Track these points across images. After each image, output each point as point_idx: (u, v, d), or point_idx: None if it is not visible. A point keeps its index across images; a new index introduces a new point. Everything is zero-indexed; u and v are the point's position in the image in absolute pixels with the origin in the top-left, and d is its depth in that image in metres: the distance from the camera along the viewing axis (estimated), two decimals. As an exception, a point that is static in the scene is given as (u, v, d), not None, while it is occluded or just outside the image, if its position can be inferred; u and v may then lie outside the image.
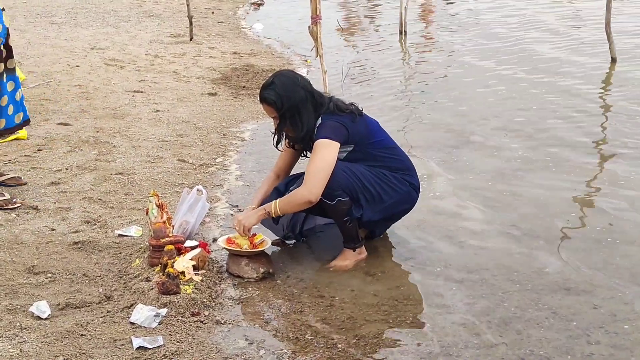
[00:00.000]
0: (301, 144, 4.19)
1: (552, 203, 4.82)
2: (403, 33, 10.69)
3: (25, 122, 4.93)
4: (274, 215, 4.00)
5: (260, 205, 4.15)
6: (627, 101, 7.02)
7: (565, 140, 6.01)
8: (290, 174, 4.36)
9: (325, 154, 3.90)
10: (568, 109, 6.87)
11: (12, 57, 4.68)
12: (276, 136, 4.20)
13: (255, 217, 4.04)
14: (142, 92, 7.54)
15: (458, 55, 9.41)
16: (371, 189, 4.01)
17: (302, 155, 4.32)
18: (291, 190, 4.08)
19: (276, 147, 4.27)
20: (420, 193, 4.27)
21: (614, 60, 8.35)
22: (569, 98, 7.22)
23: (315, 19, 7.05)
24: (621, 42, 8.77)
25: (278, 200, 3.97)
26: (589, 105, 6.99)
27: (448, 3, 14.01)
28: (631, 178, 5.18)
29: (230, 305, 3.66)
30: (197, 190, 4.30)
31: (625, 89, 7.45)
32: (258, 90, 4.14)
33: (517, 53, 9.25)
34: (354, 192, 3.95)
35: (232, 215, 4.69)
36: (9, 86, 4.67)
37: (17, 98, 4.75)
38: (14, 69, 4.70)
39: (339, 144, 3.95)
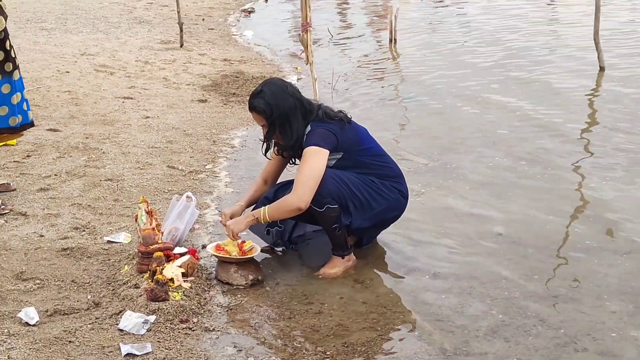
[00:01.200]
0: (290, 152, 4.20)
1: (540, 212, 4.84)
2: (393, 41, 10.72)
3: (25, 125, 4.89)
4: (262, 222, 4.02)
5: (248, 206, 4.17)
6: (615, 111, 7.05)
7: (555, 150, 6.02)
8: (278, 180, 4.37)
9: (315, 162, 3.91)
10: (556, 117, 6.89)
11: (10, 60, 4.66)
12: (265, 144, 4.21)
13: (244, 223, 4.04)
14: (132, 98, 7.53)
15: (449, 63, 9.43)
16: (360, 197, 4.02)
17: (291, 162, 4.33)
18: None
19: (265, 155, 4.28)
20: (409, 200, 4.29)
21: (602, 69, 8.40)
22: (558, 107, 7.25)
23: (306, 26, 7.06)
24: (609, 51, 8.82)
25: (267, 206, 3.98)
26: (577, 115, 7.02)
27: (437, 4, 14.07)
28: (620, 189, 5.21)
29: (219, 312, 3.66)
30: (187, 197, 4.30)
31: (613, 98, 7.48)
32: (248, 98, 4.15)
33: (508, 62, 9.29)
34: (343, 199, 3.96)
35: (220, 221, 4.69)
36: (4, 89, 4.64)
37: (14, 102, 4.71)
38: (11, 72, 4.68)
39: (328, 152, 3.96)
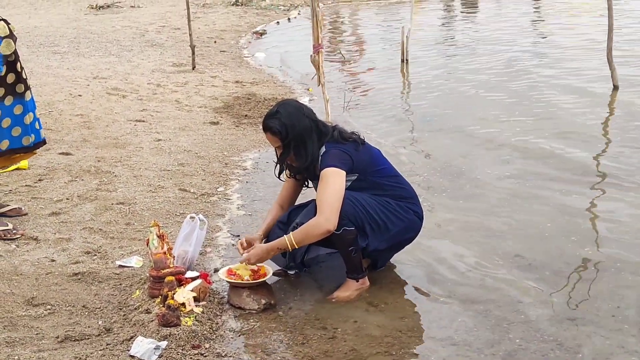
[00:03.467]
0: (304, 174, 4.17)
1: (556, 232, 4.78)
2: (405, 61, 10.72)
3: (38, 144, 4.90)
4: (290, 249, 3.96)
5: (265, 235, 4.14)
6: (631, 131, 6.99)
7: (571, 170, 5.96)
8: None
9: (336, 183, 3.88)
10: (570, 136, 6.85)
11: (21, 81, 4.68)
12: (279, 166, 4.18)
13: (268, 257, 4.01)
14: (144, 121, 7.53)
15: (461, 83, 9.42)
16: (377, 218, 3.98)
17: (306, 185, 4.30)
18: (297, 222, 4.05)
19: (278, 177, 4.25)
20: (423, 221, 4.24)
21: (616, 87, 8.35)
22: (571, 126, 7.20)
23: (317, 47, 7.07)
24: (623, 70, 8.78)
25: (291, 234, 3.92)
26: (590, 133, 6.97)
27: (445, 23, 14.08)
28: (638, 209, 5.14)
29: (232, 338, 3.61)
30: (190, 217, 4.26)
31: (628, 118, 7.43)
32: (260, 119, 4.14)
33: (519, 80, 9.26)
34: (360, 221, 3.92)
35: (233, 245, 4.66)
36: (16, 110, 4.66)
37: (27, 122, 4.73)
38: (22, 93, 4.69)
39: (345, 172, 3.93)
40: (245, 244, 4.13)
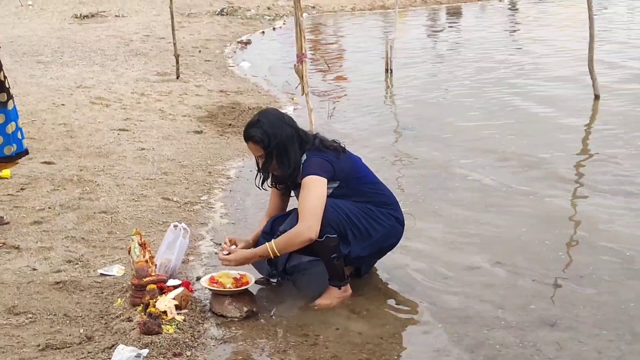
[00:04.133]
0: (286, 182, 4.19)
1: (535, 239, 4.82)
2: (389, 71, 10.77)
3: (20, 154, 4.89)
4: (272, 257, 3.97)
5: (253, 244, 4.16)
6: (609, 138, 7.07)
7: (550, 177, 6.03)
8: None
9: (317, 190, 3.90)
10: (550, 145, 6.91)
11: (4, 90, 4.67)
12: (261, 175, 4.19)
13: (247, 261, 4.03)
14: (127, 130, 7.53)
15: (443, 92, 9.49)
16: (359, 225, 4.00)
17: (291, 195, 4.31)
18: (280, 230, 4.07)
19: (260, 186, 4.26)
20: (405, 227, 4.27)
21: (597, 97, 8.43)
22: (553, 135, 7.26)
23: (301, 57, 7.09)
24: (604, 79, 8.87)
25: (273, 241, 3.93)
26: (570, 141, 7.05)
27: (432, 35, 14.16)
28: (617, 215, 5.19)
29: (213, 345, 3.61)
30: (174, 225, 4.26)
31: (607, 127, 7.51)
32: (244, 128, 4.13)
33: (500, 88, 9.34)
34: (342, 228, 3.94)
35: (215, 253, 4.66)
36: None
37: (9, 131, 4.71)
38: (5, 102, 4.68)
39: (326, 180, 3.94)
40: (228, 242, 4.14)
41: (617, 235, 4.83)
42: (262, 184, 4.25)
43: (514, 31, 15.51)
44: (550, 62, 11.20)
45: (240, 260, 4.00)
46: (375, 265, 4.40)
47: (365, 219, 4.04)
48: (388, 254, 4.29)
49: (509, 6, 20.13)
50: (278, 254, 3.95)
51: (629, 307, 3.90)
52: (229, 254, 4.05)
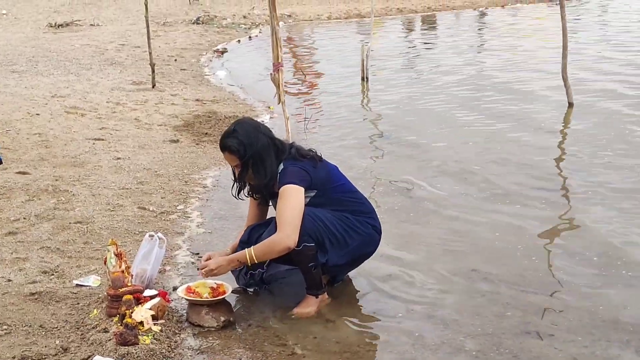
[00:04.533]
0: (263, 192, 4.19)
1: (511, 247, 4.85)
2: (365, 79, 10.82)
3: None
4: (249, 264, 3.97)
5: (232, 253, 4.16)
6: (584, 145, 7.14)
7: (526, 184, 6.07)
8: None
9: (295, 199, 3.91)
10: (526, 152, 6.97)
11: None
12: (237, 185, 4.19)
13: (228, 267, 4.02)
14: (102, 139, 7.49)
15: (419, 101, 9.53)
16: (336, 233, 4.01)
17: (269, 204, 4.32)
18: (259, 239, 4.07)
19: (237, 196, 4.25)
20: (381, 235, 4.28)
21: (571, 105, 8.52)
22: (527, 142, 7.33)
23: (277, 66, 7.10)
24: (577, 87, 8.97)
25: (252, 248, 3.94)
26: (544, 150, 7.09)
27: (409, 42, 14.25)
28: (589, 220, 5.24)
29: (190, 356, 3.60)
30: (150, 235, 4.25)
31: (582, 133, 7.58)
32: (220, 138, 4.13)
33: (475, 97, 9.41)
34: (319, 236, 3.94)
35: (192, 263, 4.65)
36: None
37: None
38: None
39: (303, 189, 3.95)
40: (206, 258, 4.14)
41: (591, 242, 4.87)
42: (238, 193, 4.25)
43: (488, 40, 15.62)
44: (524, 69, 11.32)
45: (221, 264, 3.99)
46: (351, 273, 4.41)
47: (343, 227, 4.05)
48: (365, 262, 4.30)
49: (479, 15, 20.30)
50: (256, 261, 3.95)
51: (603, 313, 3.93)
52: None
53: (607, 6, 21.92)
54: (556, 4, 9.55)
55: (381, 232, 4.27)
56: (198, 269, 4.05)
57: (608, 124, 7.83)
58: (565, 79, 8.54)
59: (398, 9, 21.00)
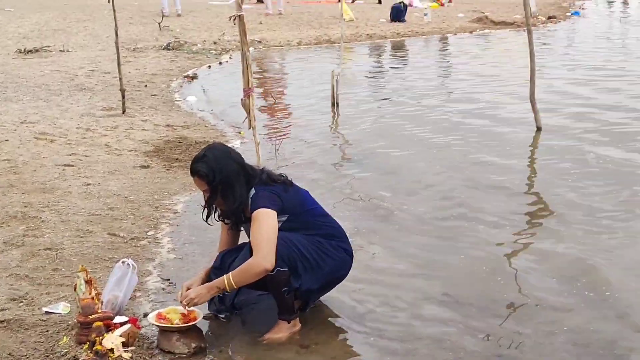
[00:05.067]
0: (232, 218, 4.19)
1: (482, 271, 4.89)
2: (336, 105, 10.86)
3: None
4: (228, 290, 3.97)
5: (207, 280, 4.14)
6: (551, 168, 7.23)
7: (493, 209, 6.12)
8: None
9: (269, 222, 3.92)
10: (494, 175, 7.06)
11: None
12: (206, 210, 4.19)
13: (208, 295, 4.00)
14: (72, 165, 7.44)
15: (389, 125, 9.60)
16: (309, 258, 4.03)
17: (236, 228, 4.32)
18: (232, 264, 4.07)
19: (206, 220, 4.26)
20: (353, 259, 4.29)
21: (539, 129, 8.64)
22: (495, 165, 7.42)
23: (248, 91, 7.11)
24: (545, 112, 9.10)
25: (230, 274, 3.93)
26: (514, 173, 7.18)
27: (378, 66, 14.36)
28: (562, 245, 5.30)
29: (161, 382, 3.58)
30: (122, 262, 4.23)
31: (550, 157, 7.69)
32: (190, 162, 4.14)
33: (445, 123, 9.50)
34: (293, 261, 3.96)
35: (163, 289, 4.63)
36: None
37: None
38: None
39: (276, 213, 3.96)
40: (185, 288, 4.11)
41: (562, 264, 4.93)
42: (207, 218, 4.25)
43: (457, 64, 15.78)
44: (493, 93, 11.48)
45: (202, 293, 3.98)
46: (322, 298, 4.41)
47: (316, 251, 4.07)
48: (336, 286, 4.31)
49: (446, 41, 20.56)
50: (235, 287, 3.95)
51: (574, 337, 3.98)
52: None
53: (574, 31, 22.33)
54: (523, 30, 9.76)
55: (353, 256, 4.29)
56: (181, 302, 4.02)
57: (574, 148, 7.95)
58: (533, 103, 8.66)
59: (367, 34, 21.15)
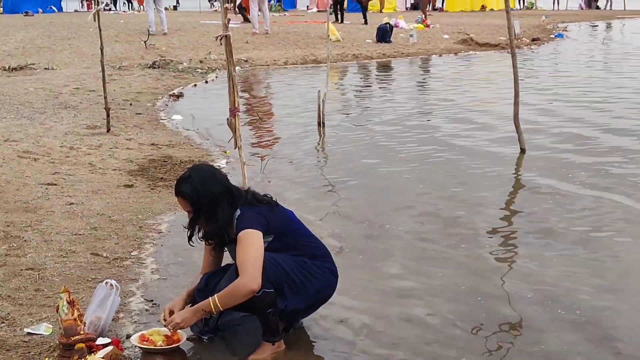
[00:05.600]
0: (216, 238, 4.17)
1: (466, 291, 4.89)
2: (322, 124, 10.88)
3: None
4: (215, 312, 3.94)
5: (189, 300, 4.12)
6: (532, 189, 7.29)
7: (477, 229, 6.15)
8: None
9: (255, 243, 3.91)
10: (478, 196, 7.09)
11: None
12: (189, 230, 4.18)
13: (194, 318, 3.98)
14: (56, 184, 7.40)
15: (376, 145, 9.62)
16: (295, 279, 4.02)
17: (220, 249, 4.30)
18: (217, 285, 4.04)
19: (189, 241, 4.24)
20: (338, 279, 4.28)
21: (523, 150, 8.69)
22: (479, 186, 7.44)
23: (234, 111, 7.10)
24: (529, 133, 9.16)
25: (215, 296, 3.90)
26: (498, 193, 7.23)
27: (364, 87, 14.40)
28: (542, 263, 5.32)
29: (144, 405, 3.54)
30: (106, 283, 4.20)
31: (531, 178, 7.74)
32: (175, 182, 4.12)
33: (429, 142, 9.54)
34: (279, 282, 3.94)
35: (146, 310, 4.59)
36: None
37: None
38: None
39: (262, 233, 3.95)
40: (167, 312, 4.08)
41: (543, 284, 4.95)
42: (190, 239, 4.24)
43: (442, 86, 15.87)
44: (478, 113, 11.55)
45: (187, 317, 3.96)
46: (306, 320, 4.39)
47: (301, 272, 4.06)
48: (321, 308, 4.30)
49: (426, 63, 20.69)
50: (221, 309, 3.93)
51: (555, 356, 3.98)
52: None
53: (558, 53, 22.54)
54: (507, 52, 9.88)
55: (337, 276, 4.29)
56: (165, 326, 3.99)
57: (557, 169, 8.00)
58: (517, 125, 8.71)
59: (354, 54, 21.27)
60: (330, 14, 25.30)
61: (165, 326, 3.98)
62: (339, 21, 30.50)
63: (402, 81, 16.92)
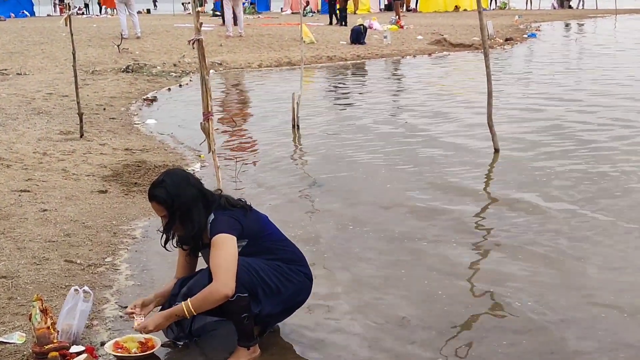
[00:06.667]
0: (190, 243, 4.16)
1: (441, 293, 4.91)
2: (296, 127, 10.88)
3: None
4: (188, 316, 3.93)
5: (158, 299, 4.13)
6: (506, 190, 7.32)
7: (454, 231, 6.17)
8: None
9: (228, 248, 3.90)
10: (451, 197, 7.11)
11: None
12: (164, 235, 4.16)
13: (166, 323, 3.97)
14: (28, 191, 7.34)
15: (351, 148, 9.63)
16: (270, 283, 4.01)
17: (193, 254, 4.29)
18: (185, 288, 4.04)
19: (164, 246, 4.23)
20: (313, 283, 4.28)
21: (497, 150, 8.74)
22: (453, 188, 7.47)
23: (207, 115, 7.09)
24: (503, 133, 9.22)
25: (189, 300, 3.89)
26: (474, 195, 7.25)
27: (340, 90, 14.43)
28: (516, 266, 5.35)
29: (118, 413, 3.52)
30: (75, 290, 4.17)
31: (505, 178, 7.78)
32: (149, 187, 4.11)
33: (405, 143, 9.57)
34: (253, 287, 3.94)
35: (121, 317, 4.56)
36: None
37: None
38: None
39: (235, 238, 3.94)
40: (138, 309, 4.07)
41: (521, 287, 4.96)
42: (165, 244, 4.22)
43: (416, 86, 15.93)
44: (451, 114, 11.62)
45: (159, 322, 3.94)
46: (281, 323, 4.39)
47: (276, 276, 4.05)
48: (296, 311, 4.30)
49: (400, 64, 20.77)
50: (195, 313, 3.91)
51: (530, 356, 4.00)
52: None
53: (532, 54, 22.70)
54: (481, 52, 9.96)
55: (312, 280, 4.29)
56: (135, 328, 3.97)
57: (531, 169, 8.05)
58: (490, 125, 8.77)
59: (328, 57, 21.30)
60: (304, 15, 25.34)
61: (137, 330, 3.96)
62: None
63: (377, 82, 16.96)
